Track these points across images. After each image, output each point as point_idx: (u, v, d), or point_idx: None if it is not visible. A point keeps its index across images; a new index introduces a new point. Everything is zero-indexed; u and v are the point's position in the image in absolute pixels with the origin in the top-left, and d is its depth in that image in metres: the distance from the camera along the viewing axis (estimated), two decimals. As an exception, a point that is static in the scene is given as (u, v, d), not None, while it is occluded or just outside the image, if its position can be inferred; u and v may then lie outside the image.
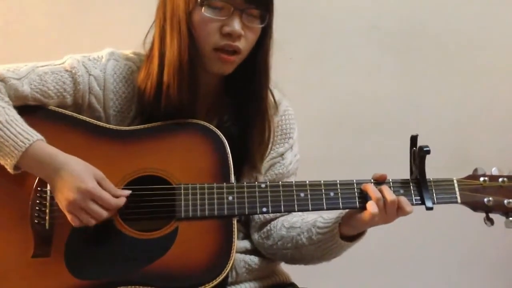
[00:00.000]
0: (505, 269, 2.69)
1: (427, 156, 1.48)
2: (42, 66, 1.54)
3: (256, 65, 1.57)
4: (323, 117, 2.59)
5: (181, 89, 1.50)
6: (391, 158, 2.52)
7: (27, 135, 1.42)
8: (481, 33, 2.66)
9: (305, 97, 2.53)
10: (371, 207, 1.44)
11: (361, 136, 2.62)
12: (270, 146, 1.63)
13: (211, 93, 1.61)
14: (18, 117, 1.46)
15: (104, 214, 1.42)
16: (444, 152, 2.56)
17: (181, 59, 1.49)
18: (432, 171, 1.51)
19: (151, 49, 1.57)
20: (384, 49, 2.62)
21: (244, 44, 1.52)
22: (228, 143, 1.52)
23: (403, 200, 1.45)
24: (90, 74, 1.56)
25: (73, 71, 1.55)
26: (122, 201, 1.44)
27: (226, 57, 1.51)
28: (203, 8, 1.48)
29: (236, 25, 1.48)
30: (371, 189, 1.46)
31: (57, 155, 1.43)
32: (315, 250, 1.57)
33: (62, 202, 1.41)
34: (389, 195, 1.45)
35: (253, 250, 1.66)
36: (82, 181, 1.40)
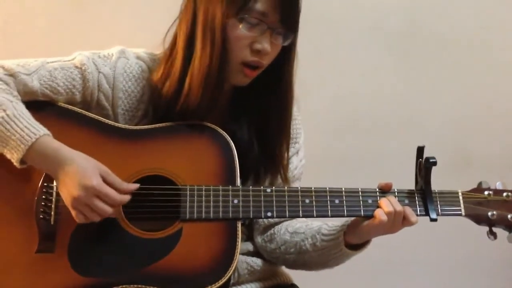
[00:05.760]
0: (504, 272, 2.70)
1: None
2: (52, 62, 1.54)
3: (281, 80, 1.58)
4: (323, 117, 2.59)
5: (203, 96, 1.50)
6: (391, 157, 2.54)
7: (34, 129, 1.42)
8: (481, 33, 2.65)
9: (305, 97, 2.51)
10: (380, 214, 1.46)
11: (362, 136, 2.61)
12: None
13: (224, 100, 1.60)
14: (25, 111, 1.45)
15: (109, 210, 1.41)
16: (444, 152, 2.54)
17: (211, 68, 1.49)
18: (432, 170, 1.51)
19: (173, 47, 1.56)
20: (385, 49, 2.62)
21: (267, 61, 1.53)
22: (236, 149, 1.52)
23: (408, 210, 1.47)
24: (99, 72, 1.55)
25: (83, 68, 1.54)
26: (126, 197, 1.44)
27: (250, 72, 1.53)
28: (241, 23, 1.48)
29: (267, 43, 1.50)
30: (385, 204, 1.47)
31: (63, 150, 1.42)
32: (318, 256, 1.58)
33: (66, 198, 1.41)
34: (397, 206, 1.46)
35: (256, 252, 1.66)
36: (87, 177, 1.39)
